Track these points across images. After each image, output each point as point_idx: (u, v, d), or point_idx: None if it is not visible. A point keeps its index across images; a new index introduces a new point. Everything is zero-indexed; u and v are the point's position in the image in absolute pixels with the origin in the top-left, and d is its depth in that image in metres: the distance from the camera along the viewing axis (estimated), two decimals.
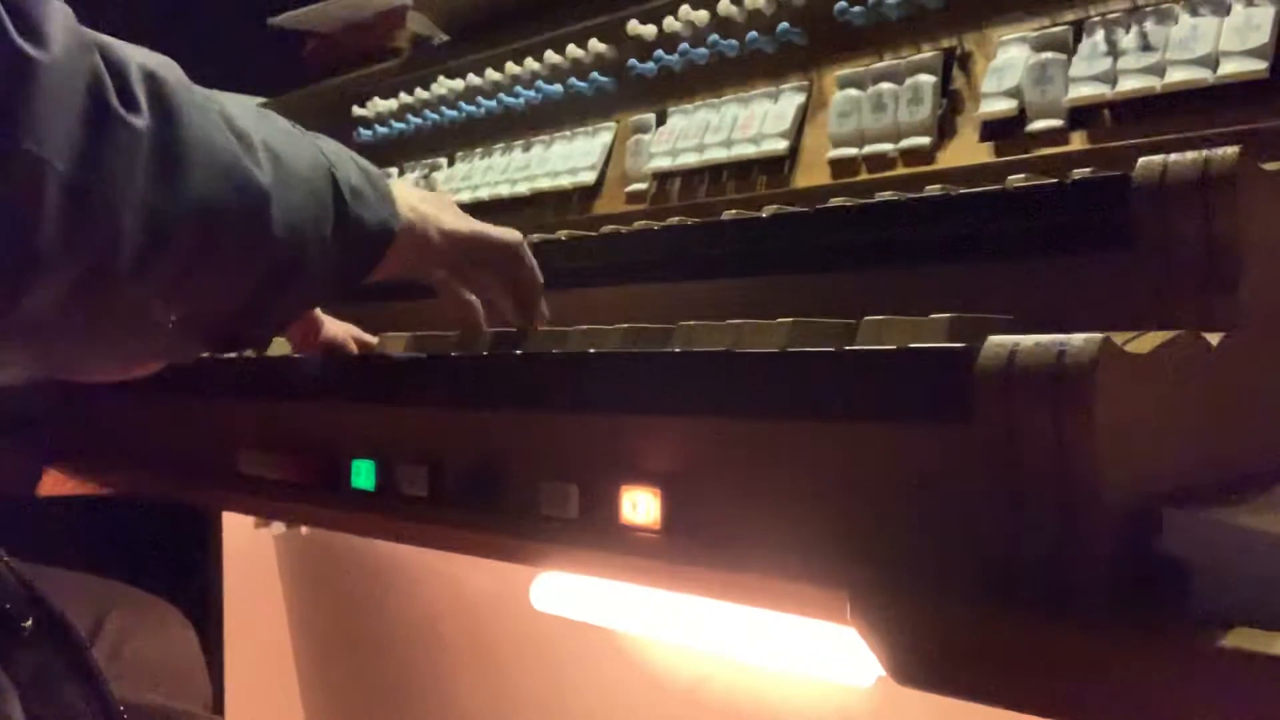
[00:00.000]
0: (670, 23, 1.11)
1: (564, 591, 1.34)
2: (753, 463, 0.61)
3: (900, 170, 0.92)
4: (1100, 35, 0.83)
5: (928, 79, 0.92)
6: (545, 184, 1.20)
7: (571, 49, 1.21)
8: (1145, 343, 0.51)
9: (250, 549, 1.77)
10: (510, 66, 1.27)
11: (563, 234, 1.03)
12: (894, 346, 0.55)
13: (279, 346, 0.98)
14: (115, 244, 0.59)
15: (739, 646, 1.18)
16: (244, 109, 0.69)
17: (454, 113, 1.35)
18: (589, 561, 0.71)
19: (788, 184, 1.00)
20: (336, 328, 0.94)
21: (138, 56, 0.62)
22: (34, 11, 0.56)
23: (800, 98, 1.01)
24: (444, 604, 1.60)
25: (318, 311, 0.91)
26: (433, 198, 0.83)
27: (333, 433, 0.88)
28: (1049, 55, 0.85)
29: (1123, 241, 0.61)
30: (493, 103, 1.30)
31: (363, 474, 0.83)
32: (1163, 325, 0.54)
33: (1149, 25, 0.80)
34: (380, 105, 1.45)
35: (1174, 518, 0.48)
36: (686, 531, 0.63)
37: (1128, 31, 0.81)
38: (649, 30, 1.13)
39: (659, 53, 1.11)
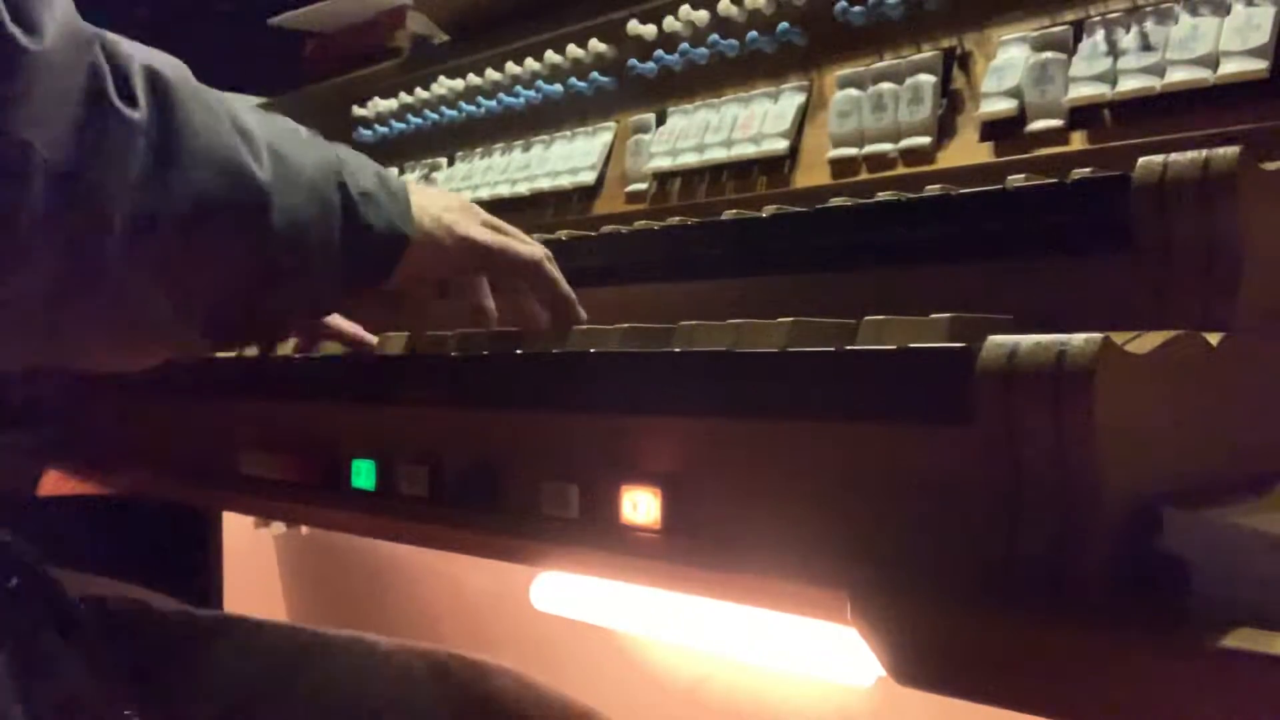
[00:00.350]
0: (670, 23, 1.11)
1: (564, 591, 1.34)
2: (753, 463, 0.61)
3: (900, 170, 0.92)
4: (1100, 35, 0.83)
5: (928, 79, 0.92)
6: (545, 184, 1.20)
7: (571, 49, 1.21)
8: (1145, 343, 0.51)
9: (250, 549, 1.77)
10: (510, 66, 1.27)
11: (563, 234, 1.03)
12: (894, 346, 0.55)
13: (280, 346, 0.99)
14: (101, 228, 0.61)
15: (739, 646, 1.18)
16: (255, 112, 0.70)
17: (454, 113, 1.35)
18: (589, 561, 0.71)
19: (788, 184, 1.00)
20: (342, 325, 0.94)
21: (143, 54, 0.64)
22: (30, 2, 0.58)
23: (800, 98, 1.01)
24: (444, 604, 1.60)
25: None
26: (459, 206, 0.81)
27: (333, 433, 0.88)
28: (1049, 55, 0.85)
29: (1123, 241, 0.61)
30: (493, 103, 1.30)
31: (363, 474, 0.83)
32: (1163, 325, 0.54)
33: (1149, 25, 0.80)
34: (380, 105, 1.45)
35: (1174, 518, 0.48)
36: (687, 531, 0.63)
37: (1128, 31, 0.81)
38: (649, 30, 1.13)
39: (659, 53, 1.11)
